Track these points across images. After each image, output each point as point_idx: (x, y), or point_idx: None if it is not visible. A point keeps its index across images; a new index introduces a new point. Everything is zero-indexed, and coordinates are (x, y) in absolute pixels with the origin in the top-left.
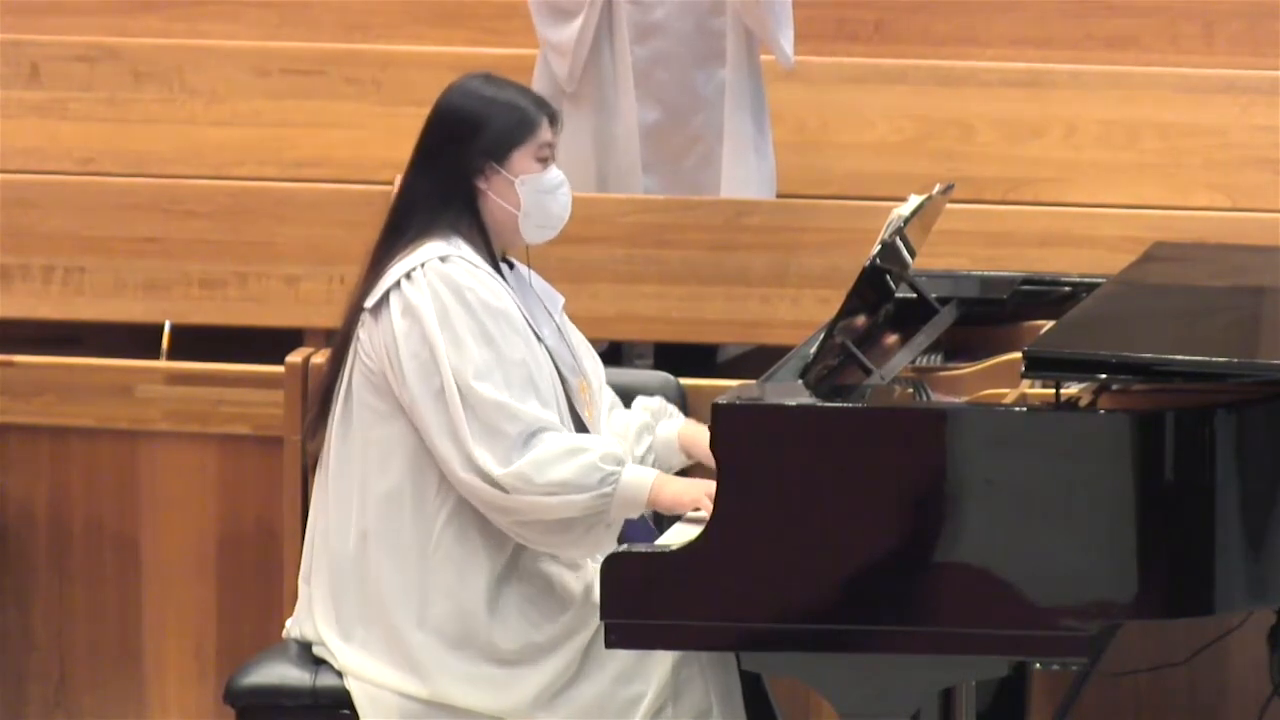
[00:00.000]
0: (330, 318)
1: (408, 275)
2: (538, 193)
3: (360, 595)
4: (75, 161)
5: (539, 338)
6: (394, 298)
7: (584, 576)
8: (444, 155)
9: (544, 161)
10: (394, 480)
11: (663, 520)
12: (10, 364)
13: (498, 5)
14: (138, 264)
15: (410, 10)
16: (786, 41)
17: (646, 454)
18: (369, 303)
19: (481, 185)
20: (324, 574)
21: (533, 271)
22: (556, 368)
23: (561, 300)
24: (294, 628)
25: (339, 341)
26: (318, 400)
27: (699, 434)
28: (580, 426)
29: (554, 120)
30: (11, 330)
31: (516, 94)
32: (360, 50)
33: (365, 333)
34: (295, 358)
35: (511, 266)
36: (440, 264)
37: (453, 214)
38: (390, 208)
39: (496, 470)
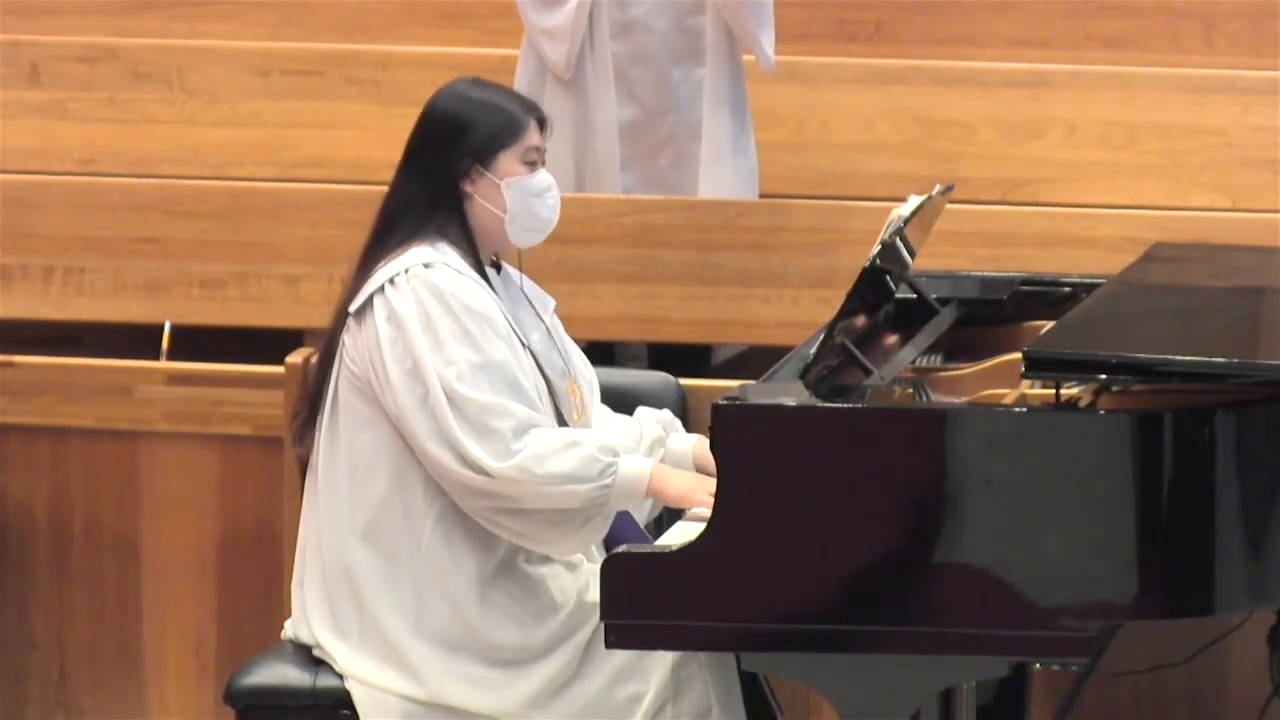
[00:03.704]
0: (330, 318)
1: (391, 280)
2: (524, 196)
3: (353, 600)
4: (75, 161)
5: (524, 343)
6: (378, 302)
7: (580, 576)
8: (431, 159)
9: (531, 165)
10: (381, 487)
11: (662, 519)
12: (10, 364)
13: (498, 5)
14: (138, 264)
15: (410, 10)
16: (767, 42)
17: None
18: (353, 307)
19: (468, 189)
20: (317, 579)
21: (524, 276)
22: (543, 372)
23: (553, 303)
24: (290, 630)
25: (326, 345)
26: (306, 404)
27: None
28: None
29: (542, 124)
30: (11, 330)
31: (504, 97)
32: (360, 50)
33: (350, 338)
34: (295, 358)
35: (499, 270)
36: (424, 270)
37: (439, 218)
38: (378, 211)
39: (494, 464)
